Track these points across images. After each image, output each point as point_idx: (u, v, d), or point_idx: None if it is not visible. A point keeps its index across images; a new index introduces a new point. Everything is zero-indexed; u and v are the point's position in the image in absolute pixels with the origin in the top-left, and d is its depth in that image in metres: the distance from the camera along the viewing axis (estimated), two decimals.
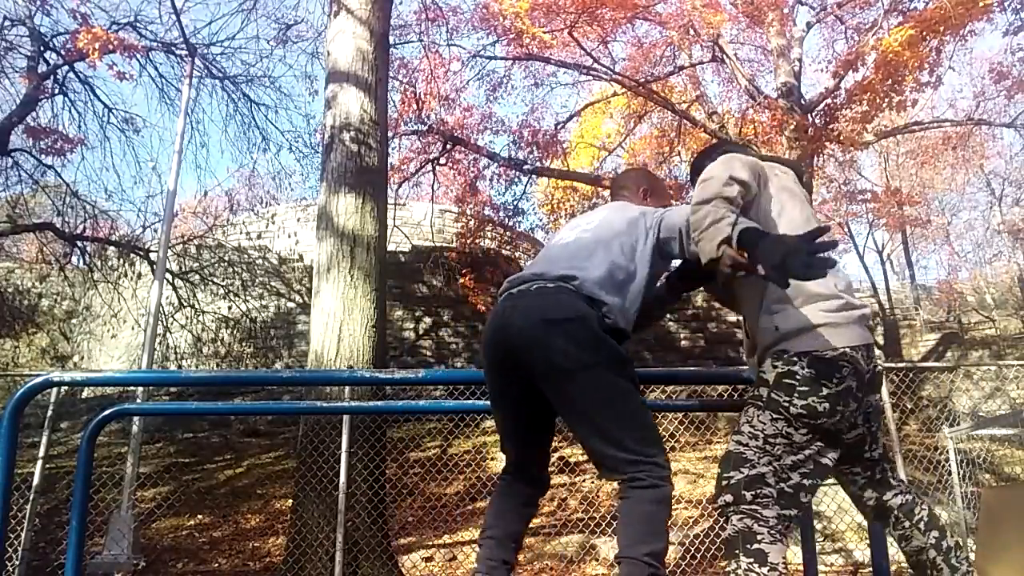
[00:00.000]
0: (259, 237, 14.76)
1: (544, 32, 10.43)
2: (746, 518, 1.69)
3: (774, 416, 1.74)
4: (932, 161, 19.55)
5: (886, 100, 9.00)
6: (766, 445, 1.74)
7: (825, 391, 1.71)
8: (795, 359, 1.76)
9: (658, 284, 2.09)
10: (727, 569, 1.70)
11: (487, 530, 1.93)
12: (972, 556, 4.95)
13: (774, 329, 1.80)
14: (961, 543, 5.37)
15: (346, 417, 4.59)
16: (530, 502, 2.01)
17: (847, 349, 1.75)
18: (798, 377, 1.74)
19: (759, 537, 1.67)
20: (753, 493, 1.70)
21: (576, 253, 1.90)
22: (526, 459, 1.98)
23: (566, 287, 1.81)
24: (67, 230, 10.09)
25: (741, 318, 2.04)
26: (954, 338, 14.56)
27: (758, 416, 1.76)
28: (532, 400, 1.86)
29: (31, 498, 4.65)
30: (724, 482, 1.75)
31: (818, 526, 5.98)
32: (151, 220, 11.33)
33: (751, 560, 1.65)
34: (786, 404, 1.73)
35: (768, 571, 1.65)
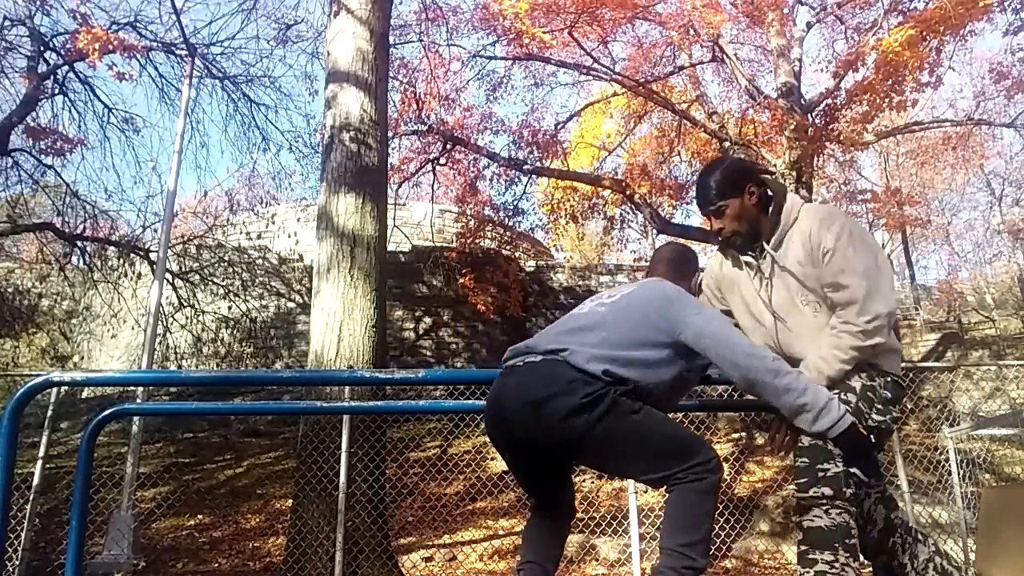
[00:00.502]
0: (259, 237, 14.75)
1: (544, 32, 10.42)
2: (844, 513, 1.71)
3: (856, 422, 1.78)
4: (932, 161, 19.55)
5: (886, 100, 9.00)
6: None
7: (894, 413, 1.85)
8: (875, 376, 1.85)
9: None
10: (818, 557, 1.69)
11: (527, 556, 1.97)
12: (972, 556, 4.95)
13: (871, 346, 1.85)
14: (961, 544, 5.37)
15: (346, 417, 4.59)
16: (562, 528, 2.04)
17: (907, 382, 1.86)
18: (879, 393, 1.84)
19: (853, 533, 1.70)
20: (851, 490, 1.73)
21: (580, 326, 1.88)
22: (549, 497, 2.00)
23: (553, 359, 1.79)
24: (67, 230, 10.09)
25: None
26: (954, 338, 14.56)
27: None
28: (543, 460, 1.88)
29: (31, 498, 4.64)
30: (820, 473, 1.73)
31: None
32: (151, 220, 11.34)
33: (848, 555, 1.67)
34: (866, 414, 1.81)
35: (857, 565, 1.69)
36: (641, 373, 1.78)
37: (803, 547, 1.74)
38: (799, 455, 1.79)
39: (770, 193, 2.00)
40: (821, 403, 1.75)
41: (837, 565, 1.66)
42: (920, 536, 1.99)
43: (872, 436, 1.82)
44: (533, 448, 1.82)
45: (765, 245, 1.96)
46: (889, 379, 1.85)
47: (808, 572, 1.69)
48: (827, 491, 1.72)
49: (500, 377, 1.89)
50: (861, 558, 1.72)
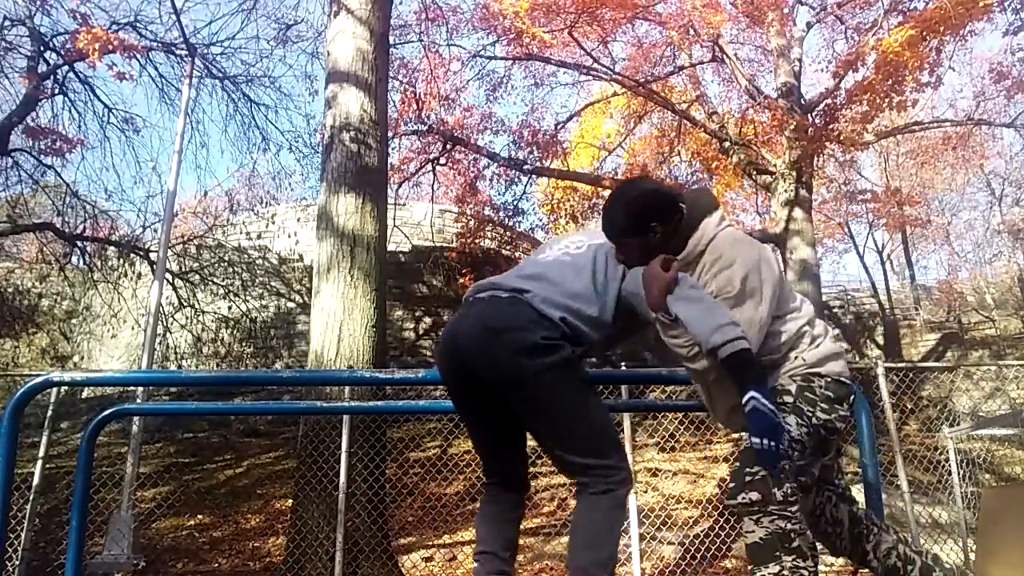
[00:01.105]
0: (259, 237, 14.75)
1: (544, 32, 10.42)
2: (777, 519, 1.66)
3: (799, 422, 1.78)
4: (932, 161, 19.55)
5: (886, 100, 9.00)
6: (789, 446, 1.75)
7: (839, 412, 1.84)
8: (812, 378, 1.84)
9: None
10: (765, 572, 1.66)
11: (481, 544, 1.93)
12: (972, 556, 4.95)
13: (800, 361, 1.88)
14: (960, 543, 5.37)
15: (346, 417, 4.59)
16: (517, 505, 1.98)
17: (849, 380, 1.91)
18: (817, 394, 1.83)
19: (793, 535, 1.66)
20: (784, 492, 1.67)
21: (544, 271, 1.89)
22: (501, 463, 1.96)
23: (518, 298, 1.80)
24: (67, 230, 10.09)
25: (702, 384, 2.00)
26: (954, 338, 14.57)
27: (783, 419, 1.76)
28: (491, 405, 1.85)
29: (31, 498, 4.64)
30: (748, 478, 1.69)
31: None
32: (151, 220, 11.33)
33: (794, 557, 1.65)
34: (809, 414, 1.80)
35: (811, 563, 1.67)
36: (591, 328, 1.81)
37: (750, 565, 1.72)
38: (735, 461, 1.78)
39: (682, 223, 1.91)
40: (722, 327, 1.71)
41: (787, 573, 1.64)
42: (884, 526, 2.02)
43: (816, 436, 1.81)
44: (478, 379, 1.79)
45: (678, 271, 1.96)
46: (828, 380, 1.84)
47: None
48: (754, 496, 1.67)
49: (462, 307, 1.89)
50: (813, 554, 1.69)
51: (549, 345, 1.72)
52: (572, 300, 1.80)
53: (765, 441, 1.64)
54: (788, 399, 1.82)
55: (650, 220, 1.88)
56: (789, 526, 1.66)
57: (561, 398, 1.73)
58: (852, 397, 1.92)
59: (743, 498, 1.69)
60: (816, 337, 1.91)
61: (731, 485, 1.74)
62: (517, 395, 1.75)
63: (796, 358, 1.86)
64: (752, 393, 1.67)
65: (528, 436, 1.93)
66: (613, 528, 1.70)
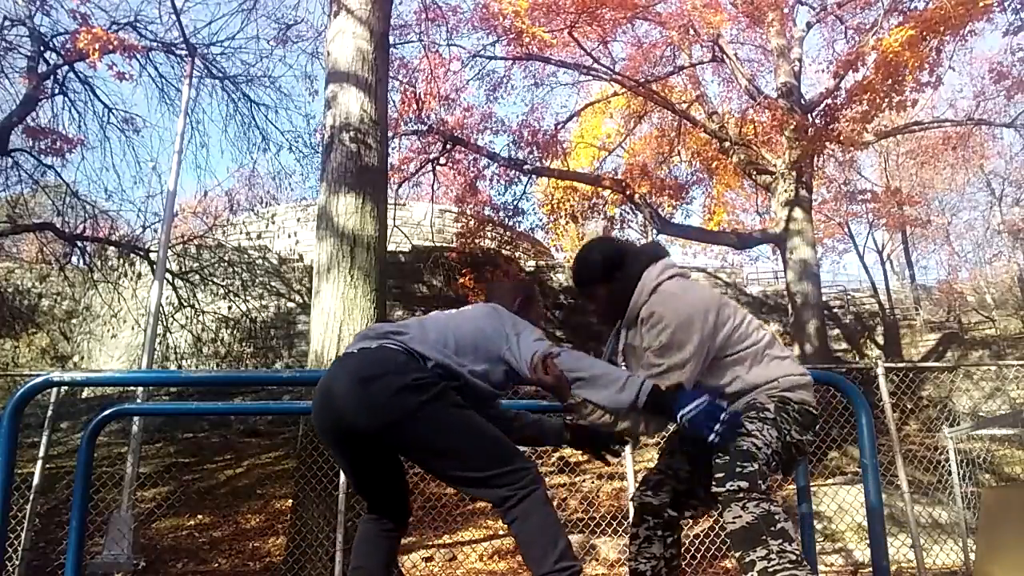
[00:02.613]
0: (259, 237, 14.76)
1: (544, 32, 10.42)
2: (762, 502, 1.73)
3: (777, 435, 1.88)
4: (932, 161, 19.56)
5: (886, 100, 9.00)
6: (768, 453, 1.85)
7: (809, 436, 1.98)
8: (787, 401, 1.95)
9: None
10: (753, 556, 1.70)
11: (355, 559, 2.00)
12: (972, 556, 4.95)
13: (775, 384, 1.98)
14: (961, 543, 5.37)
15: None
16: (390, 536, 2.05)
17: (816, 412, 2.00)
18: (793, 415, 1.93)
19: (777, 517, 1.72)
20: (766, 484, 1.78)
21: (421, 323, 1.96)
22: (384, 502, 2.03)
23: (388, 343, 1.84)
24: (67, 230, 10.09)
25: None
26: (954, 338, 14.56)
27: (766, 428, 1.88)
28: (371, 453, 1.90)
29: (31, 498, 4.64)
30: (739, 469, 1.78)
31: (818, 526, 5.98)
32: (151, 220, 11.36)
33: (780, 540, 1.70)
34: (787, 430, 1.91)
35: (796, 546, 1.71)
36: (471, 371, 1.86)
37: (737, 552, 1.75)
38: (720, 456, 1.82)
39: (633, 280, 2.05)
40: (623, 381, 1.84)
41: (774, 556, 1.68)
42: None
43: (787, 453, 1.92)
44: (358, 432, 1.81)
45: (620, 326, 2.12)
46: (800, 407, 1.95)
47: (752, 574, 1.70)
48: (743, 484, 1.75)
49: (335, 363, 1.93)
50: (797, 537, 1.77)
51: (421, 384, 1.76)
52: (447, 347, 1.86)
53: (717, 429, 1.77)
54: (768, 414, 1.91)
55: (605, 273, 2.07)
56: (773, 508, 1.73)
57: (446, 426, 1.76)
58: (815, 427, 2.02)
59: (731, 485, 1.76)
60: (784, 360, 2.03)
61: (719, 475, 1.80)
62: (402, 436, 1.78)
63: (770, 380, 1.97)
64: (681, 412, 1.79)
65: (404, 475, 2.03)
66: (552, 523, 1.76)
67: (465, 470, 1.79)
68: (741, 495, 1.74)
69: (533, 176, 12.77)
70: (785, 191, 10.23)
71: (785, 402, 1.94)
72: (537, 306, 2.31)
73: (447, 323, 1.96)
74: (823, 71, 13.63)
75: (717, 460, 1.82)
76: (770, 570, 1.67)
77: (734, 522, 1.74)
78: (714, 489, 1.80)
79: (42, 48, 9.46)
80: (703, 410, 1.78)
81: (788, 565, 1.67)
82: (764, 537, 1.69)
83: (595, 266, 2.09)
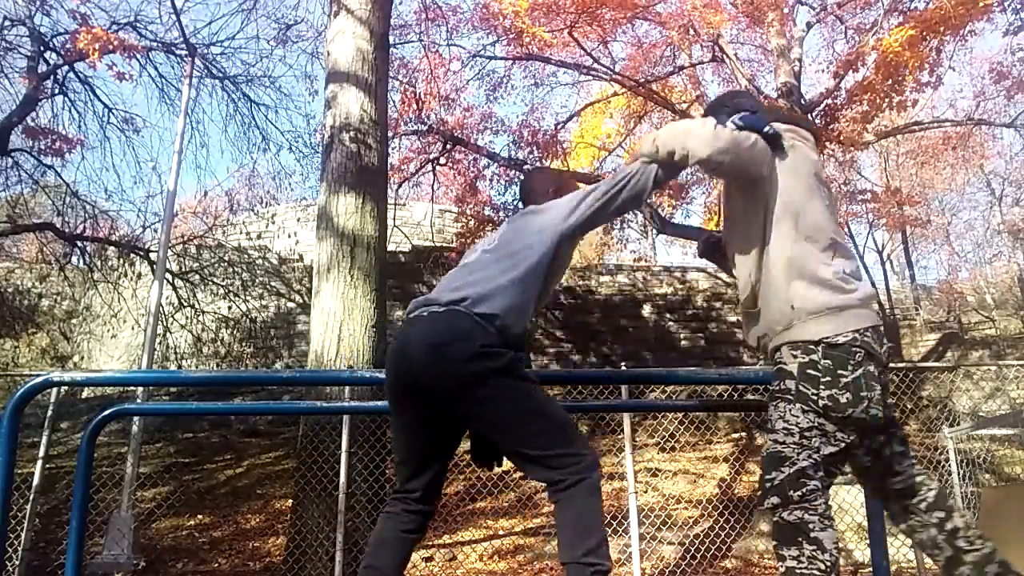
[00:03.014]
0: (259, 237, 14.75)
1: (544, 32, 10.41)
2: (796, 510, 1.71)
3: (805, 408, 1.74)
4: (932, 161, 19.54)
5: (886, 100, 8.99)
6: (802, 440, 1.73)
7: (843, 380, 1.72)
8: (812, 348, 1.76)
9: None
10: (785, 552, 1.71)
11: (368, 558, 1.99)
12: None
13: (790, 308, 1.81)
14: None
15: (346, 417, 4.59)
16: (415, 528, 2.04)
17: (856, 334, 1.75)
18: (820, 367, 1.74)
19: (811, 526, 1.69)
20: (799, 492, 1.71)
21: (471, 272, 1.96)
22: (419, 484, 2.00)
23: (456, 309, 1.86)
24: (67, 230, 10.09)
25: (741, 296, 2.02)
26: (954, 338, 14.56)
27: (789, 411, 1.76)
28: (435, 424, 1.91)
29: (31, 498, 4.65)
30: (767, 484, 1.75)
31: None
32: (151, 220, 11.34)
33: (813, 548, 1.68)
34: (815, 397, 1.73)
35: (828, 556, 1.68)
36: (519, 312, 1.88)
37: (774, 542, 1.78)
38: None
39: None
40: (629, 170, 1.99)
41: (804, 559, 1.68)
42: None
43: (835, 419, 1.73)
44: (430, 394, 1.84)
45: None
46: (822, 346, 1.75)
47: (781, 567, 1.73)
48: (774, 500, 1.73)
49: (404, 326, 1.95)
50: (832, 549, 1.69)
51: (490, 352, 1.79)
52: (499, 291, 1.87)
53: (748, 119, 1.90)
54: (790, 383, 1.77)
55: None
56: (807, 517, 1.70)
57: (512, 398, 1.79)
58: (858, 356, 1.73)
59: (767, 504, 1.76)
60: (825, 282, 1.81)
61: (759, 493, 1.80)
62: (469, 403, 1.80)
63: (799, 318, 1.78)
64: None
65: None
66: (595, 513, 1.75)
67: (523, 447, 1.80)
68: (777, 510, 1.73)
69: None
70: None
71: (808, 352, 1.75)
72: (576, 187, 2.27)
73: (492, 263, 1.95)
74: (823, 71, 13.63)
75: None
76: (797, 571, 1.68)
77: (775, 519, 1.76)
78: (761, 508, 1.83)
79: (42, 48, 9.46)
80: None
81: (816, 572, 1.67)
82: (800, 539, 1.69)
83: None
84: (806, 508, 1.70)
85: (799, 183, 1.90)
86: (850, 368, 1.72)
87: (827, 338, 1.75)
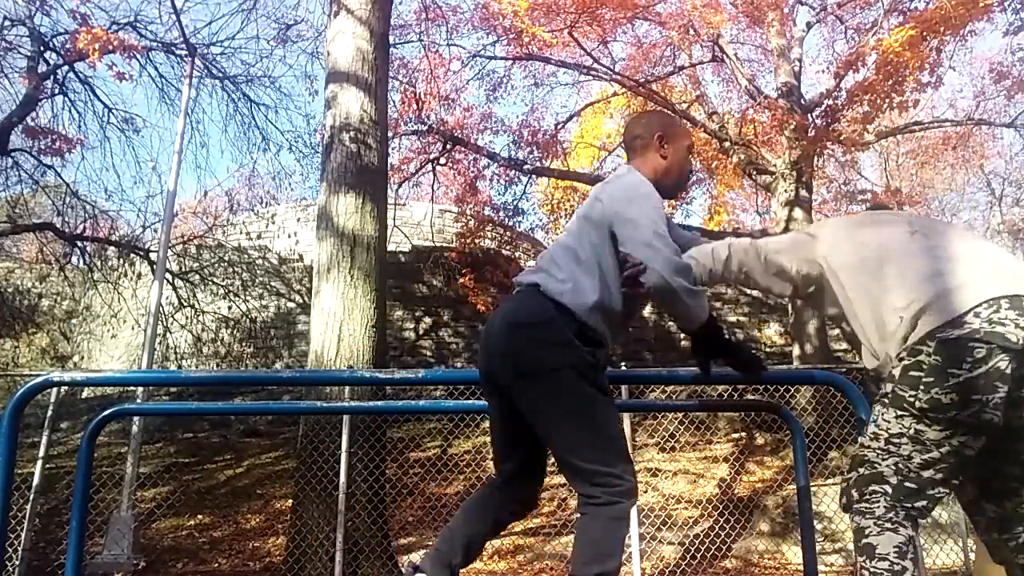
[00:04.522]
0: (259, 237, 14.75)
1: (544, 32, 10.41)
2: (856, 515, 1.67)
3: (899, 413, 1.63)
4: (932, 161, 19.54)
5: (887, 101, 8.99)
6: (889, 445, 1.64)
7: (952, 380, 1.53)
8: (920, 347, 1.61)
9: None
10: (858, 562, 1.70)
11: (452, 520, 1.91)
12: (972, 556, 4.95)
13: (898, 320, 1.68)
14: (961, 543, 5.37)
15: (346, 417, 4.59)
16: (507, 510, 1.94)
17: (978, 318, 1.53)
18: (924, 367, 1.59)
19: (867, 531, 1.62)
20: (862, 492, 1.66)
21: (551, 254, 1.89)
22: (509, 471, 1.92)
23: (535, 290, 1.80)
24: (67, 230, 10.09)
25: (850, 327, 1.91)
26: None
27: (883, 415, 1.67)
28: (510, 408, 1.83)
29: (31, 498, 4.64)
30: (844, 483, 1.73)
31: (818, 526, 5.98)
32: (151, 220, 11.36)
33: (863, 557, 1.64)
34: (911, 399, 1.59)
35: (877, 562, 1.58)
36: (601, 310, 1.79)
37: (858, 550, 1.72)
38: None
39: None
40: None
41: (867, 571, 1.63)
42: None
43: (922, 418, 1.59)
44: (499, 376, 1.79)
45: None
46: (934, 342, 1.57)
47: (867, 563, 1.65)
48: (843, 501, 1.73)
49: (503, 301, 1.96)
50: (891, 548, 1.60)
51: (566, 343, 1.71)
52: (573, 281, 1.77)
53: None
54: (888, 386, 1.68)
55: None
56: (863, 522, 1.64)
57: (571, 399, 1.71)
58: (977, 352, 1.51)
59: (843, 501, 1.74)
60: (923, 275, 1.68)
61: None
62: (527, 391, 1.74)
63: (905, 317, 1.66)
64: None
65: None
66: (616, 540, 1.68)
67: (567, 453, 1.72)
68: (848, 508, 1.71)
69: (533, 176, 12.75)
70: (785, 191, 10.23)
71: (914, 353, 1.61)
72: (686, 141, 2.03)
73: (567, 247, 1.85)
74: (823, 71, 13.65)
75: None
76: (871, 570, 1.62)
77: (861, 533, 1.69)
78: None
79: (42, 48, 9.46)
80: None
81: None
82: (860, 544, 1.66)
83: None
84: (864, 512, 1.64)
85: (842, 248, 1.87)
86: (966, 367, 1.52)
87: (939, 331, 1.57)
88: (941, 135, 16.19)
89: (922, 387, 1.58)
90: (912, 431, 1.60)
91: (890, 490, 1.62)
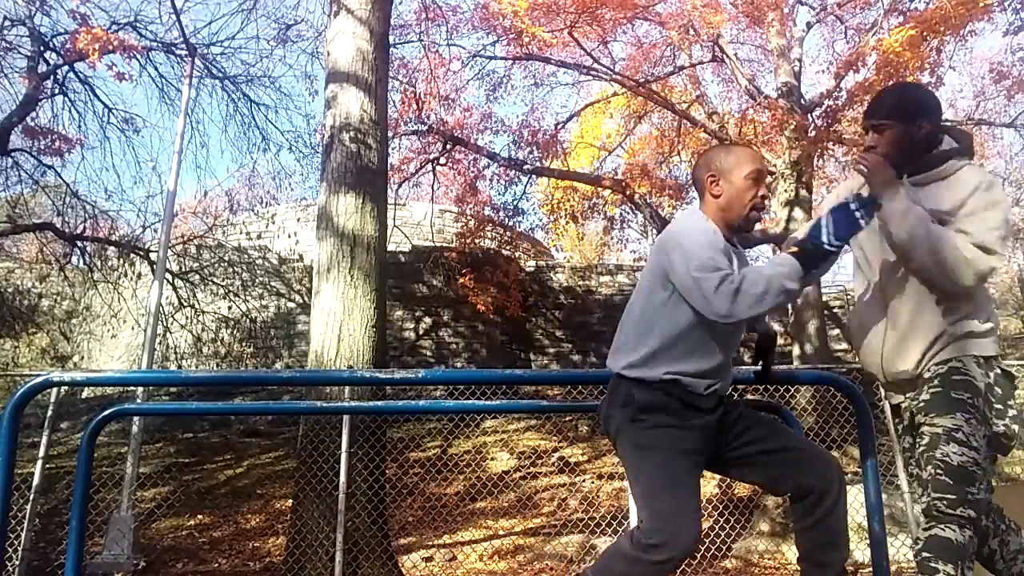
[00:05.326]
0: (259, 237, 14.75)
1: (544, 32, 10.41)
2: (974, 540, 1.67)
3: (985, 433, 1.69)
4: None
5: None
6: (983, 462, 1.68)
7: (1012, 412, 1.69)
8: (994, 367, 1.70)
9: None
10: (943, 570, 1.66)
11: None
12: None
13: (976, 319, 1.75)
14: None
15: (346, 417, 4.59)
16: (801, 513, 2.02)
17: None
18: (996, 392, 1.69)
19: (971, 560, 1.66)
20: (985, 522, 1.68)
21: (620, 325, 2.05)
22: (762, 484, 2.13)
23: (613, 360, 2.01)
24: (67, 230, 10.09)
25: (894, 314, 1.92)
26: None
27: (979, 432, 1.69)
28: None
29: (31, 498, 4.64)
30: (968, 495, 1.68)
31: None
32: (151, 220, 11.34)
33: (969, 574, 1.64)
34: (993, 422, 1.69)
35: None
36: (643, 367, 1.90)
37: (926, 554, 1.70)
38: (945, 472, 1.72)
39: (939, 138, 1.90)
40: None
41: None
42: (1014, 525, 1.92)
43: (994, 446, 1.70)
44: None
45: (905, 179, 1.88)
46: (1000, 371, 1.71)
47: None
48: (971, 513, 1.67)
49: None
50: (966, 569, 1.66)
51: (611, 413, 1.94)
52: (625, 344, 1.96)
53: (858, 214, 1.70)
54: (980, 402, 1.69)
55: (921, 115, 1.89)
56: (972, 549, 1.67)
57: (626, 458, 1.92)
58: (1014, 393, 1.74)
59: (962, 511, 1.69)
60: (993, 305, 1.82)
61: (951, 497, 1.69)
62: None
63: (982, 331, 1.74)
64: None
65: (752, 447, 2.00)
66: (614, 570, 1.82)
67: (635, 495, 1.92)
68: (966, 523, 1.67)
69: (533, 176, 12.75)
70: (785, 191, 10.23)
71: (988, 374, 1.70)
72: (743, 170, 1.96)
73: (627, 313, 2.00)
74: (823, 71, 13.62)
75: (943, 477, 1.70)
76: None
77: (944, 531, 1.68)
78: (943, 509, 1.68)
79: (42, 48, 9.46)
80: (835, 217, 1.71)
81: None
82: (959, 561, 1.64)
83: (930, 101, 1.92)
84: (975, 534, 1.66)
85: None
86: (1014, 399, 1.70)
87: (996, 359, 1.71)
88: None
89: (996, 413, 1.69)
90: (987, 452, 1.70)
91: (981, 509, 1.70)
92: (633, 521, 4.62)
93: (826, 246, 1.72)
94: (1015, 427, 1.69)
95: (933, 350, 1.80)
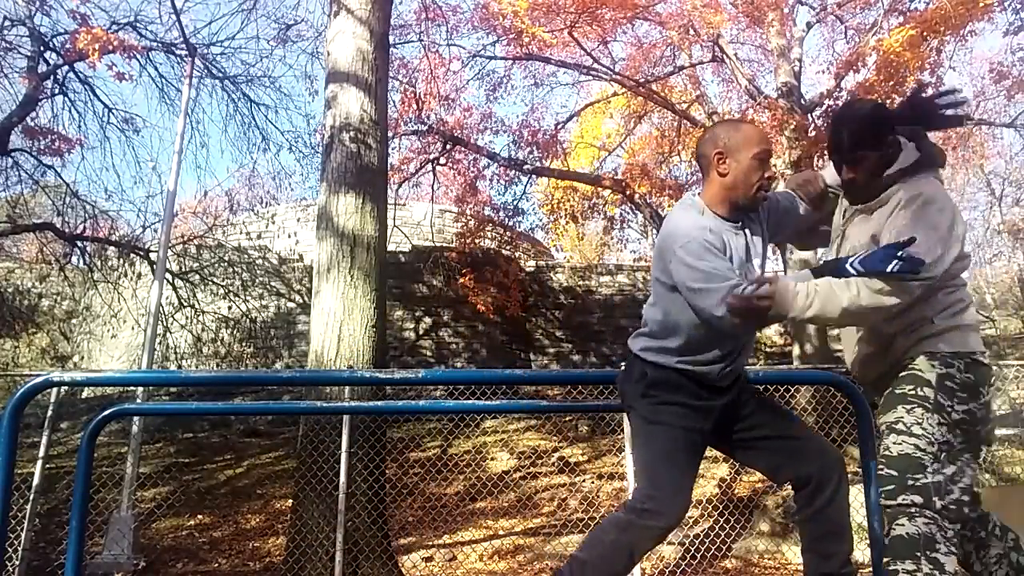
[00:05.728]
0: (259, 237, 14.75)
1: (544, 32, 10.42)
2: (931, 524, 1.65)
3: (941, 421, 1.70)
4: None
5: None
6: (939, 452, 1.69)
7: (982, 398, 1.72)
8: (951, 361, 1.73)
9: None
10: (899, 567, 1.64)
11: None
12: None
13: (930, 321, 1.76)
14: None
15: (346, 417, 4.59)
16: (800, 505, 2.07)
17: (983, 356, 1.76)
18: (957, 381, 1.72)
19: (938, 547, 1.63)
20: (943, 502, 1.66)
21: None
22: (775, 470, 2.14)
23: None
24: (67, 230, 10.09)
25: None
26: None
27: (928, 419, 1.71)
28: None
29: (31, 498, 4.64)
30: (911, 482, 1.68)
31: None
32: (151, 220, 11.35)
33: (931, 567, 1.61)
34: (949, 409, 1.70)
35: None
36: (658, 351, 1.96)
37: (886, 559, 1.69)
38: (886, 464, 1.73)
39: (896, 152, 1.87)
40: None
41: (920, 575, 1.61)
42: (999, 532, 1.89)
43: (962, 434, 1.71)
44: None
45: (853, 211, 1.91)
46: (967, 360, 1.73)
47: None
48: (916, 499, 1.67)
49: None
50: (953, 573, 1.64)
51: (635, 380, 1.99)
52: (645, 337, 2.02)
53: (895, 264, 1.61)
54: (928, 391, 1.72)
55: (884, 131, 1.85)
56: (938, 536, 1.64)
57: (635, 433, 2.01)
58: (991, 378, 1.78)
59: (903, 499, 1.69)
60: (964, 302, 1.80)
61: (889, 488, 1.71)
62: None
63: (938, 330, 1.75)
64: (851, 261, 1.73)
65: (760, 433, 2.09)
66: (606, 541, 1.83)
67: (636, 463, 2.02)
68: (913, 509, 1.66)
69: (533, 176, 12.76)
70: None
71: (947, 364, 1.73)
72: (751, 150, 1.88)
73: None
74: (823, 71, 13.63)
75: (885, 471, 1.72)
76: None
77: (895, 528, 1.68)
78: (883, 502, 1.71)
79: (42, 48, 9.46)
80: (875, 259, 1.65)
81: None
82: (918, 554, 1.63)
83: (880, 120, 1.84)
84: (939, 525, 1.64)
85: None
86: (987, 389, 1.75)
87: (972, 354, 1.75)
88: (941, 135, 16.17)
89: (958, 399, 1.71)
90: (947, 440, 1.71)
91: (951, 506, 1.69)
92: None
93: (847, 267, 1.71)
94: (980, 414, 1.72)
95: (888, 358, 1.85)
